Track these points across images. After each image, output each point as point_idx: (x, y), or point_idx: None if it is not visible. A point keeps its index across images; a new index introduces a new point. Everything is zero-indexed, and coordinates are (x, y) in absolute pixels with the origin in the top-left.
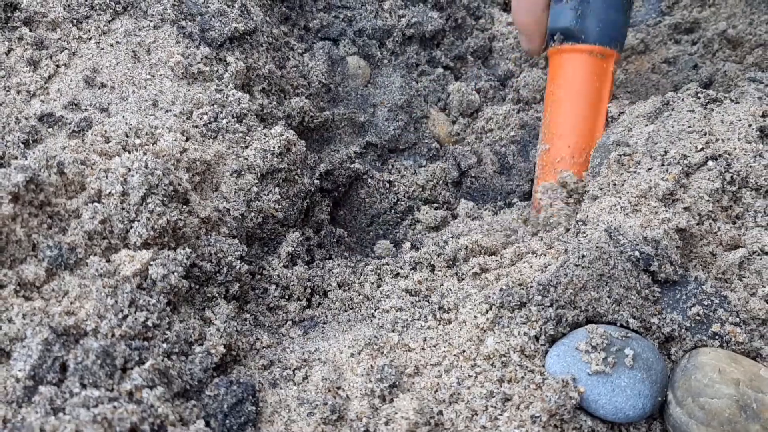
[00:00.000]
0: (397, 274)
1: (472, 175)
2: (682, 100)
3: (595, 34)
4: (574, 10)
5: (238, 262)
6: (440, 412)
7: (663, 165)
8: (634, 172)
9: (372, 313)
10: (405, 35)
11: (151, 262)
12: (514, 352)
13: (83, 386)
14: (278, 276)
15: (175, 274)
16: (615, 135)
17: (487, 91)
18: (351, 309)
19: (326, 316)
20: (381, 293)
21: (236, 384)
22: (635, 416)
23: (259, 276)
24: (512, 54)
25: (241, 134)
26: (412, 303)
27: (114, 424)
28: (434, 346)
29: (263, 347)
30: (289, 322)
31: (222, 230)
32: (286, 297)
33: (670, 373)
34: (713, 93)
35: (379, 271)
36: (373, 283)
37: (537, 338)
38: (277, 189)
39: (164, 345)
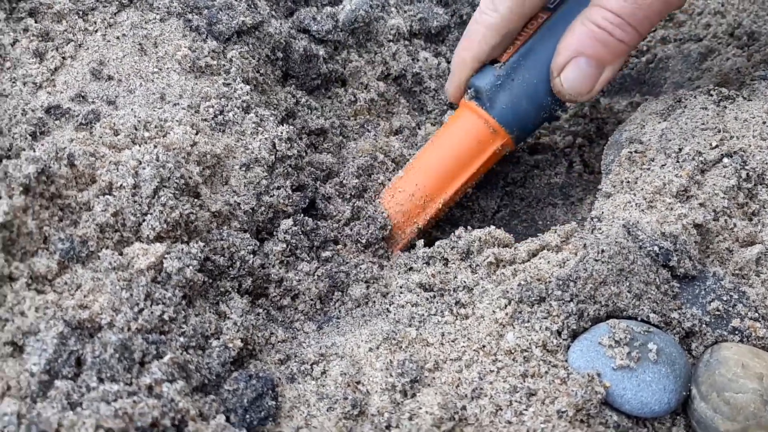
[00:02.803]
0: (411, 268)
1: None
2: (695, 97)
3: (499, 110)
4: (496, 78)
5: (251, 256)
6: (464, 407)
7: (677, 162)
8: (648, 169)
9: (387, 308)
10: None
11: (166, 256)
12: (536, 347)
13: (101, 380)
14: (294, 273)
15: (190, 267)
16: (628, 132)
17: None
18: (365, 304)
19: (340, 311)
20: (395, 287)
21: (255, 378)
22: (661, 411)
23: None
24: None
25: (250, 127)
26: (427, 298)
27: (135, 419)
28: (453, 341)
29: (278, 342)
30: (303, 317)
31: (233, 224)
32: (297, 293)
33: (693, 368)
34: (726, 90)
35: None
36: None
37: (559, 333)
38: (288, 182)
39: (181, 339)
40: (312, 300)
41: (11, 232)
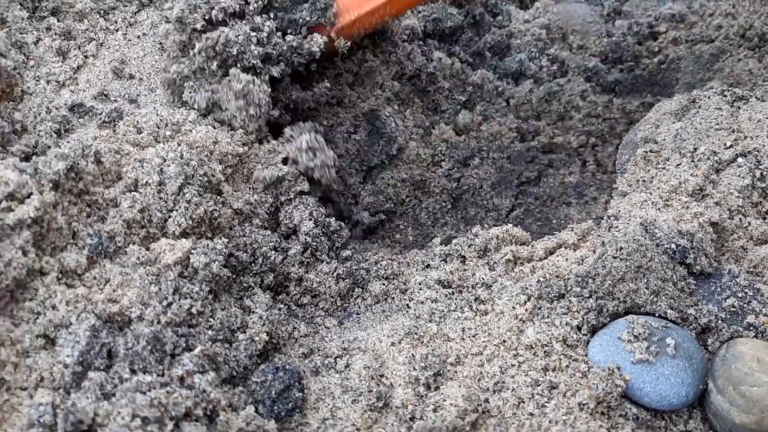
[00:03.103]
0: (428, 266)
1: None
2: (709, 98)
3: None
4: None
5: (273, 252)
6: (486, 400)
7: (692, 161)
8: (663, 168)
9: (407, 304)
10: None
11: (192, 251)
12: (557, 342)
13: (133, 371)
14: (316, 273)
15: (216, 262)
16: (642, 132)
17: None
18: (384, 300)
19: (360, 307)
20: (414, 284)
21: (282, 370)
22: (679, 404)
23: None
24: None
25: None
26: (445, 294)
27: (169, 409)
28: (473, 336)
29: (301, 336)
30: (323, 313)
31: (254, 222)
32: (317, 293)
33: (710, 363)
34: (739, 91)
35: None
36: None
37: (579, 328)
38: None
39: (209, 332)
40: (332, 297)
41: (42, 228)
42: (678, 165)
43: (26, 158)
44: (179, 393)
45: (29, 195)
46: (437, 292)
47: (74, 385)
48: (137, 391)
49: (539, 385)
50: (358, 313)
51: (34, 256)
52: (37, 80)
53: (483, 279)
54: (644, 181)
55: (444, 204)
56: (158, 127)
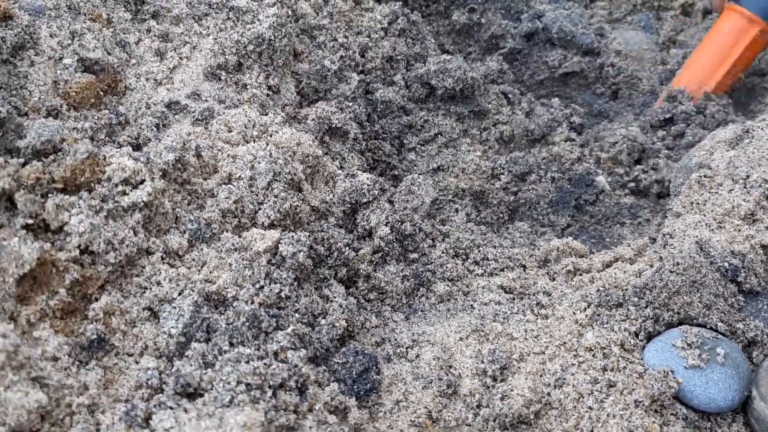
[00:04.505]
0: (490, 273)
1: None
2: (762, 128)
3: (750, 1)
4: None
5: (347, 248)
6: (548, 394)
7: (745, 188)
8: (716, 192)
9: (471, 305)
10: None
11: (281, 241)
12: (615, 345)
13: (232, 345)
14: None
15: (302, 252)
16: (697, 157)
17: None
18: (447, 300)
19: (424, 305)
20: (477, 287)
21: (362, 354)
22: (725, 407)
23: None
24: None
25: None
26: (508, 299)
27: (267, 379)
28: (536, 337)
29: (372, 327)
30: (390, 308)
31: (330, 220)
32: (384, 291)
33: (754, 373)
34: None
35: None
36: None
37: (636, 334)
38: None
39: (296, 315)
40: (398, 295)
41: (151, 211)
42: (731, 190)
43: (135, 148)
44: (276, 365)
45: (142, 181)
46: (500, 295)
47: (177, 354)
48: (237, 361)
49: (598, 383)
50: (423, 311)
51: (143, 236)
52: (138, 77)
53: (544, 287)
54: (698, 203)
55: (501, 216)
56: (246, 127)
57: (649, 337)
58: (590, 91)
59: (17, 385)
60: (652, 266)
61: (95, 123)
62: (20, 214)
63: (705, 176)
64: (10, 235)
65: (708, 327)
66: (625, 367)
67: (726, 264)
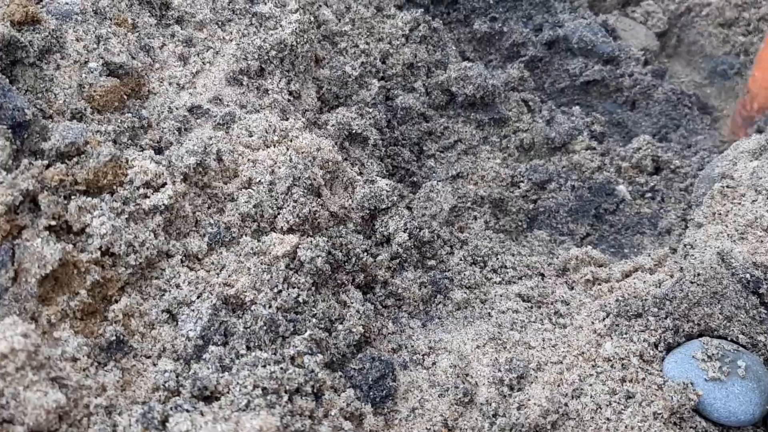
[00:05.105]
0: (508, 281)
1: None
2: None
3: None
4: None
5: (365, 254)
6: (566, 404)
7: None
8: (739, 203)
9: (488, 313)
10: None
11: (299, 246)
12: (634, 356)
13: (249, 348)
14: (402, 278)
15: (320, 258)
16: (720, 168)
17: None
18: (465, 308)
19: (441, 312)
20: (494, 296)
21: (378, 360)
22: (746, 421)
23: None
24: None
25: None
26: (526, 307)
27: (284, 383)
28: (553, 347)
29: (389, 333)
30: (407, 315)
31: (348, 225)
32: (401, 298)
33: None
34: None
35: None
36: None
37: (656, 345)
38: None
39: (313, 320)
40: (415, 302)
41: (171, 214)
42: (753, 201)
43: (157, 151)
44: (293, 370)
45: (164, 184)
46: (518, 304)
47: (195, 357)
48: (254, 365)
49: (616, 394)
50: (440, 318)
51: (163, 239)
52: (161, 82)
53: (562, 296)
54: (720, 214)
55: (520, 224)
56: (267, 132)
57: (669, 349)
58: (611, 100)
59: (37, 385)
60: (672, 276)
61: (118, 126)
62: (43, 215)
63: (727, 186)
64: (33, 235)
65: (729, 339)
66: (644, 379)
67: (748, 275)
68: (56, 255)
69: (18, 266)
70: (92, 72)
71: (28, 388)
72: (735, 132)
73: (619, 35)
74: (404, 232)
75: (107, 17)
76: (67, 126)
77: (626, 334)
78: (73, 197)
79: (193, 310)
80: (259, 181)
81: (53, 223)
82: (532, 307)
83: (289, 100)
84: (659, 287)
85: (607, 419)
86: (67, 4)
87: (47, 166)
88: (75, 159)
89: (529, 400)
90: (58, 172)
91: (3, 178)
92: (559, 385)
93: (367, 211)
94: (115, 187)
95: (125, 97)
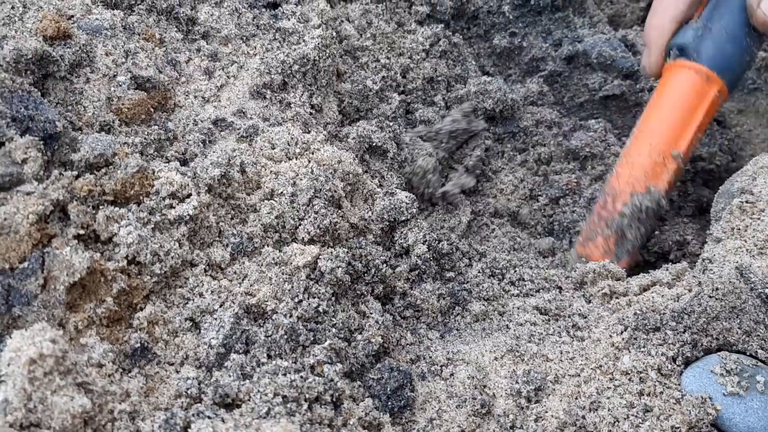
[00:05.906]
0: (526, 293)
1: None
2: None
3: (707, 57)
4: (695, 31)
5: (384, 266)
6: (584, 417)
7: None
8: (758, 219)
9: (506, 325)
10: None
11: (320, 256)
12: (652, 370)
13: (269, 357)
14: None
15: (341, 268)
16: (739, 183)
17: None
18: (483, 320)
19: (459, 324)
20: (512, 308)
21: (397, 371)
22: None
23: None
24: None
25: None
26: (543, 320)
27: (303, 392)
28: (571, 359)
29: (407, 344)
30: (425, 326)
31: (368, 237)
32: (420, 309)
33: None
34: None
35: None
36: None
37: (674, 359)
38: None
39: (333, 330)
40: (434, 313)
41: (196, 224)
42: None
43: (182, 163)
44: (312, 378)
45: (189, 195)
46: (535, 316)
47: (216, 365)
48: (274, 374)
49: (634, 407)
50: (458, 329)
51: (188, 248)
52: (187, 95)
53: (580, 309)
54: (739, 229)
55: (538, 237)
56: (289, 145)
57: (687, 363)
58: (630, 114)
59: (63, 390)
60: (690, 291)
61: (145, 138)
62: (72, 224)
63: (747, 202)
64: (62, 244)
65: (748, 354)
66: (661, 392)
67: (767, 290)
68: (84, 263)
69: (47, 274)
70: (121, 85)
71: (56, 392)
72: (589, 238)
73: (638, 50)
74: (423, 243)
75: (136, 32)
76: (96, 138)
77: (644, 347)
78: (101, 207)
79: (215, 319)
80: (281, 192)
81: (82, 232)
82: (549, 320)
83: (311, 114)
84: (677, 301)
85: None
86: (97, 19)
87: (77, 177)
88: (103, 170)
89: (546, 412)
90: (87, 182)
91: (34, 188)
92: (576, 398)
93: (387, 223)
94: (141, 197)
95: (152, 109)
